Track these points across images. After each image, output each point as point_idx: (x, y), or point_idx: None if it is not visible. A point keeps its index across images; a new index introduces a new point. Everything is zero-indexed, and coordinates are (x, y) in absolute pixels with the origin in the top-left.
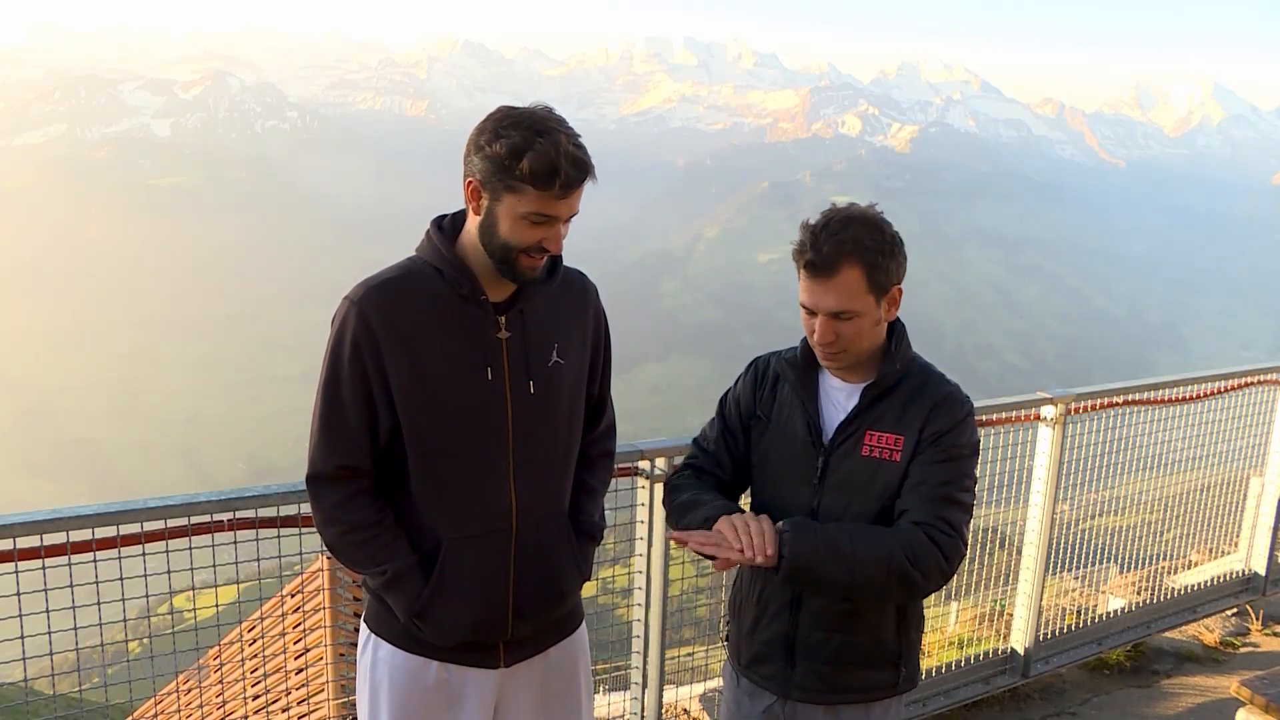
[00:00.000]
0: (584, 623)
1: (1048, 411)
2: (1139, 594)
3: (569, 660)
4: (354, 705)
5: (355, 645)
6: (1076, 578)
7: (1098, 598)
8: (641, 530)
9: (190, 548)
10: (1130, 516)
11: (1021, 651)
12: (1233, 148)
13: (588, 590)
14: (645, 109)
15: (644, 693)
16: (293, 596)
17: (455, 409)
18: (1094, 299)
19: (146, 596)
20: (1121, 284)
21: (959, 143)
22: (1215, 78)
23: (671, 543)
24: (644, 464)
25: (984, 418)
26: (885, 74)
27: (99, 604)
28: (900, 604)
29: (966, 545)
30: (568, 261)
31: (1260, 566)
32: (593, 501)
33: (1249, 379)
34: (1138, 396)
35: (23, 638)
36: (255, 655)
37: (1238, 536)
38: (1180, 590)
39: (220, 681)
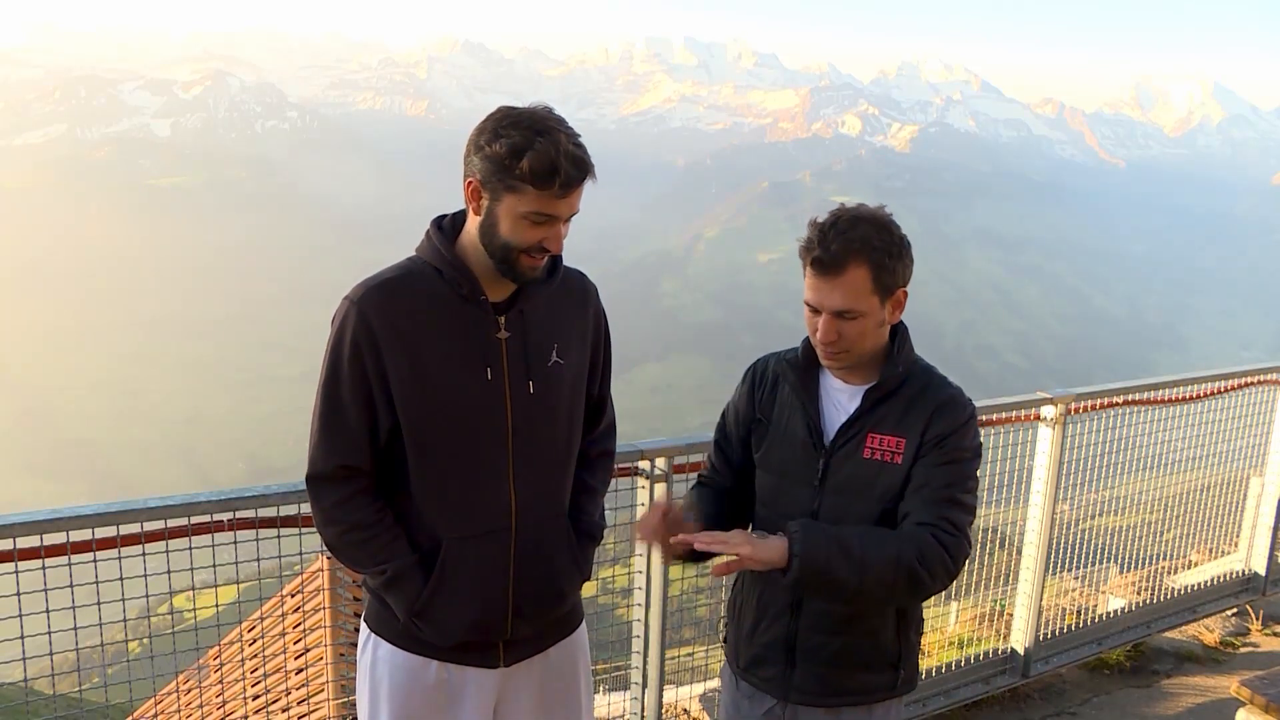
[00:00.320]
0: (584, 622)
1: (1048, 411)
2: (1139, 594)
3: (569, 660)
4: (354, 705)
5: (355, 645)
6: (1076, 578)
7: (1098, 598)
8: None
9: (190, 548)
10: (1130, 516)
11: (1021, 651)
12: (1233, 148)
13: (588, 590)
14: (645, 109)
15: (644, 693)
16: (293, 596)
17: (455, 409)
18: (1094, 299)
19: (146, 596)
20: (1121, 284)
21: (959, 143)
22: (1215, 78)
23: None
24: (644, 464)
25: (984, 418)
26: (885, 74)
27: (99, 604)
28: (901, 606)
29: (971, 546)
30: (567, 261)
31: (1260, 566)
32: (593, 501)
33: (1249, 379)
34: (1138, 396)
35: (23, 638)
36: (255, 655)
37: (1238, 536)
38: (1180, 590)
39: (220, 681)
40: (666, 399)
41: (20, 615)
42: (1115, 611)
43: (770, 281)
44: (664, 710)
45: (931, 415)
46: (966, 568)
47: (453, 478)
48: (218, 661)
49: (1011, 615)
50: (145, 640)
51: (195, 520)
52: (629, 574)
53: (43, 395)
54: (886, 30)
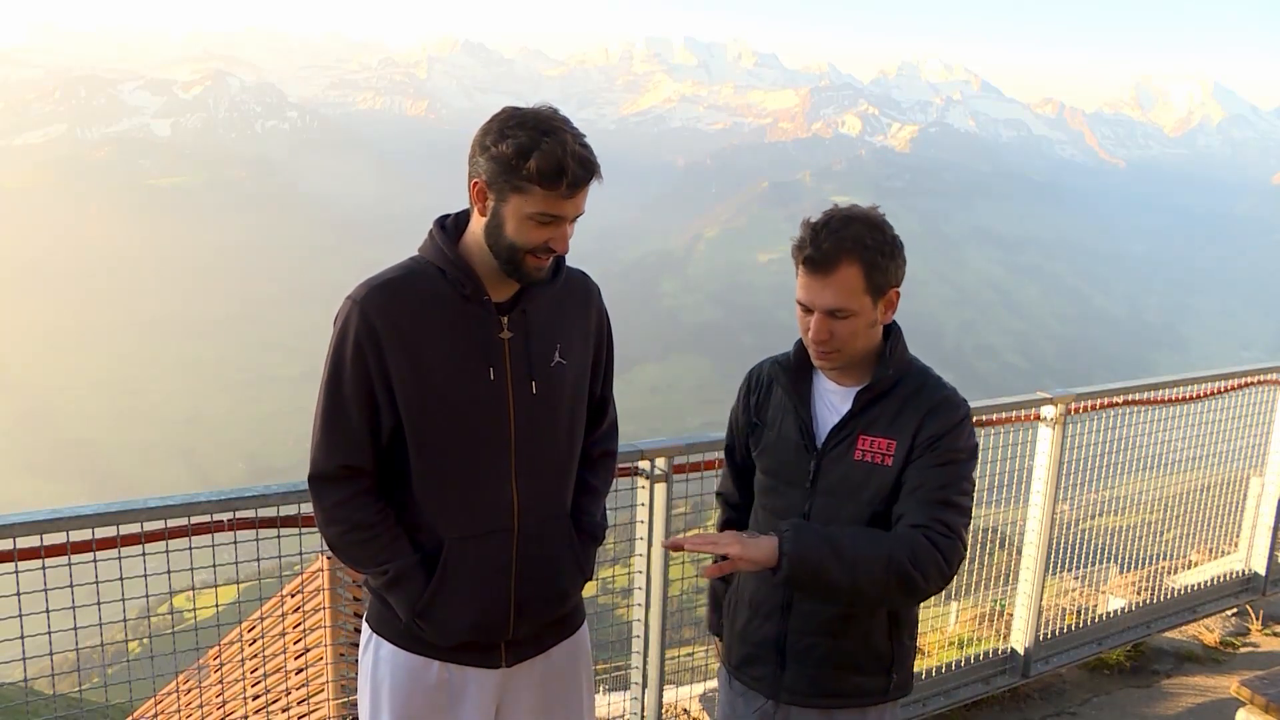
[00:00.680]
0: (585, 623)
1: (1048, 411)
2: (1139, 594)
3: (570, 660)
4: (354, 705)
5: (355, 645)
6: (1076, 578)
7: (1098, 598)
8: (641, 530)
9: (190, 548)
10: (1130, 516)
11: (1021, 651)
12: (1233, 148)
13: (588, 590)
14: (645, 109)
15: (644, 693)
16: (293, 596)
17: (457, 409)
18: (1094, 299)
19: (146, 596)
20: (1121, 284)
21: (959, 143)
22: (1215, 78)
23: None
24: (644, 464)
25: (984, 418)
26: (885, 74)
27: (99, 604)
28: (896, 608)
29: (966, 548)
30: (567, 261)
31: (1260, 566)
32: (595, 501)
33: (1249, 379)
34: (1138, 396)
35: (23, 638)
36: (255, 655)
37: (1238, 536)
38: (1180, 590)
39: (220, 681)
40: (666, 399)
41: (20, 615)
42: (1115, 611)
43: (770, 281)
44: (664, 710)
45: (924, 417)
46: (966, 568)
47: (455, 478)
48: (218, 661)
49: (1011, 615)
50: (145, 640)
51: (195, 520)
52: (629, 574)
53: (43, 395)
54: (886, 30)
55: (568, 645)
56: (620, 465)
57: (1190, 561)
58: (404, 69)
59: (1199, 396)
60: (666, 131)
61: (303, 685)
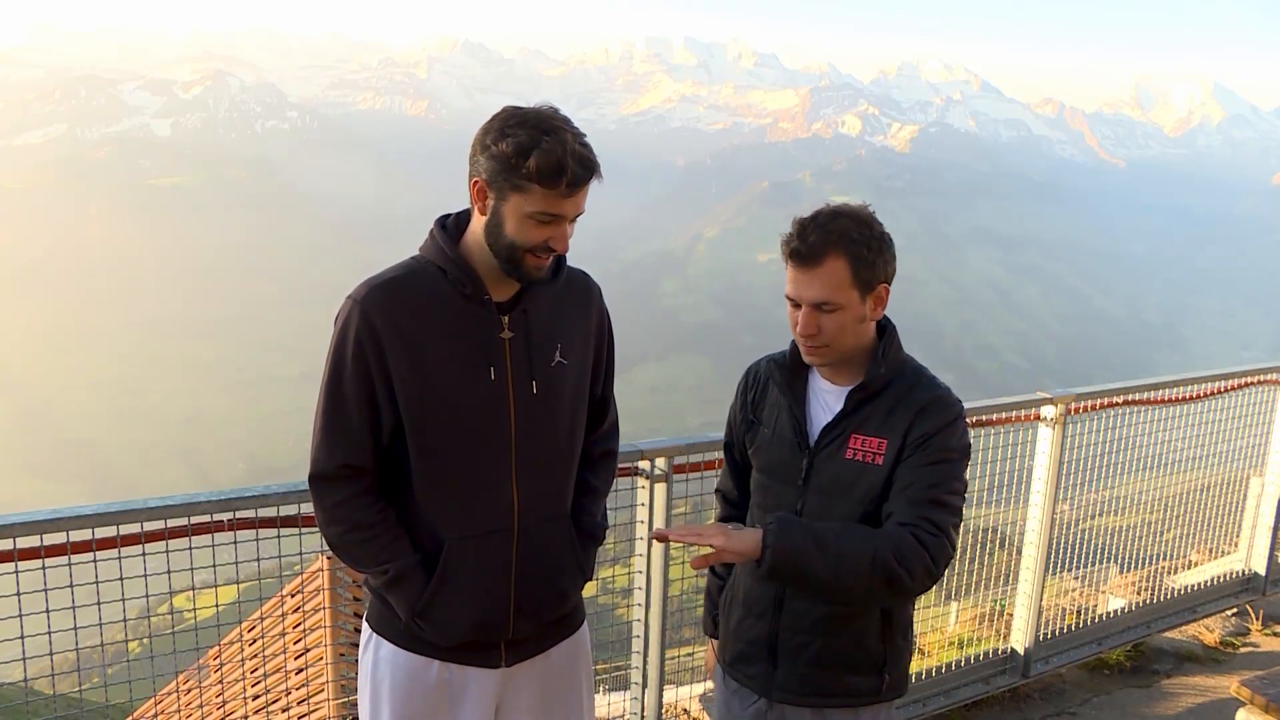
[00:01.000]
0: (585, 622)
1: (1048, 411)
2: (1139, 594)
3: (570, 660)
4: (354, 705)
5: (355, 645)
6: (1076, 578)
7: (1098, 598)
8: (641, 530)
9: (190, 548)
10: (1130, 516)
11: (1021, 651)
12: (1233, 148)
13: (588, 590)
14: (645, 109)
15: (644, 693)
16: (293, 596)
17: (458, 409)
18: (1094, 299)
19: (146, 596)
20: (1121, 284)
21: (959, 143)
22: (1215, 78)
23: (672, 542)
24: (644, 464)
25: (984, 418)
26: (885, 74)
27: (99, 604)
28: (885, 608)
29: (954, 548)
30: (568, 261)
31: (1260, 566)
32: (595, 501)
33: (1249, 379)
34: (1138, 396)
35: (23, 638)
36: (255, 655)
37: (1238, 536)
38: (1180, 590)
39: (220, 681)
40: (666, 399)
41: (20, 615)
42: (1115, 611)
43: (770, 281)
44: (664, 710)
45: (915, 416)
46: (966, 567)
47: (455, 477)
48: (218, 661)
49: (1011, 615)
50: (145, 640)
51: (195, 520)
52: (629, 574)
53: (43, 395)
54: (886, 30)
55: (568, 645)
56: (620, 465)
57: (1190, 561)
58: (404, 69)
59: (1199, 396)
60: (666, 131)
61: (303, 685)
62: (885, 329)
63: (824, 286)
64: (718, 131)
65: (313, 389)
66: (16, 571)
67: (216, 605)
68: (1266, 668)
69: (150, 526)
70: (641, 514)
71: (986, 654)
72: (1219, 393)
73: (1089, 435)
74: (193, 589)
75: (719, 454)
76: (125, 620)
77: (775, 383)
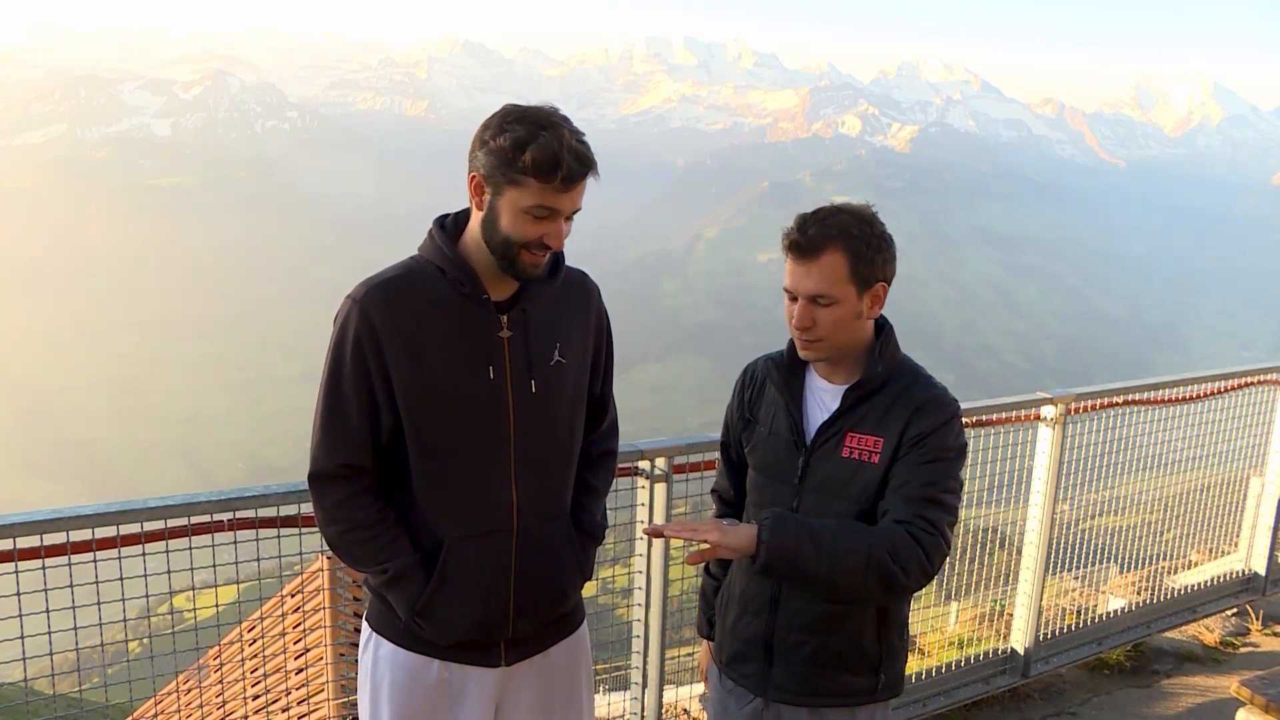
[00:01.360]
0: (585, 622)
1: (1048, 411)
2: (1139, 594)
3: (570, 660)
4: (354, 705)
5: (355, 645)
6: (1076, 578)
7: (1098, 598)
8: (641, 530)
9: (190, 548)
10: (1130, 516)
11: (1021, 651)
12: (1233, 148)
13: (588, 590)
14: (645, 109)
15: (644, 693)
16: (293, 596)
17: (456, 408)
18: (1094, 299)
19: (146, 596)
20: (1121, 284)
21: (959, 143)
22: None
23: (672, 542)
24: (644, 464)
25: (984, 418)
26: (885, 74)
27: (99, 604)
28: (881, 607)
29: (949, 546)
30: (567, 261)
31: (1260, 566)
32: (595, 501)
33: (1249, 379)
34: (1138, 396)
35: (23, 638)
36: (255, 655)
37: (1238, 536)
38: (1180, 590)
39: (220, 681)
40: (666, 399)
41: (20, 615)
42: (1115, 611)
43: (770, 281)
44: (664, 710)
45: (912, 415)
46: (966, 567)
47: (454, 477)
48: (218, 661)
49: (1011, 615)
50: (145, 640)
51: (195, 520)
52: (629, 574)
53: (43, 395)
54: (886, 30)
55: (567, 644)
56: (620, 465)
57: (1190, 561)
58: (404, 69)
59: (1199, 396)
60: (666, 131)
61: (303, 685)
62: (882, 328)
63: (821, 279)
64: (718, 131)
65: (313, 389)
66: (16, 571)
67: (216, 605)
68: (1266, 668)
69: (150, 526)
70: (641, 514)
71: (986, 654)
72: (1219, 393)
73: (1089, 435)
74: (193, 589)
75: (718, 454)
76: (125, 620)
77: (772, 381)
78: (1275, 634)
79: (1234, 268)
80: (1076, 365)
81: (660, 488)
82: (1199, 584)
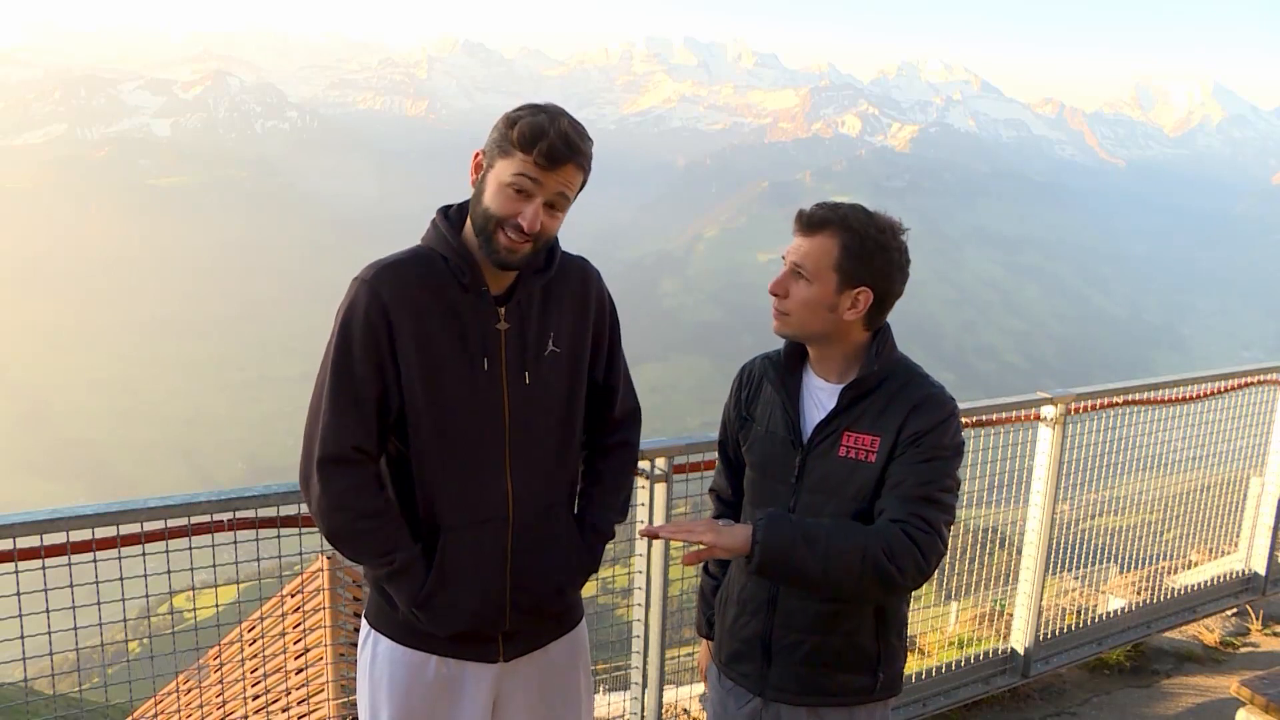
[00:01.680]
0: (584, 620)
1: (1048, 411)
2: (1139, 594)
3: (568, 657)
4: (354, 705)
5: (355, 645)
6: (1076, 578)
7: (1098, 598)
8: (638, 531)
9: (190, 548)
10: (1130, 516)
11: (1021, 651)
12: (1233, 148)
13: (587, 590)
14: (645, 109)
15: (644, 693)
16: (293, 596)
17: (452, 398)
18: (1094, 299)
19: (146, 596)
20: (1121, 284)
21: (959, 143)
22: (1215, 78)
23: (671, 542)
24: (644, 464)
25: (984, 418)
26: (885, 74)
27: (99, 604)
28: (879, 606)
29: (945, 545)
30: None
31: (1260, 566)
32: (605, 493)
33: (1249, 379)
34: (1138, 396)
35: (23, 638)
36: (255, 655)
37: (1238, 536)
38: (1180, 590)
39: (220, 681)
40: (666, 399)
41: (20, 615)
42: (1115, 611)
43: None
44: (664, 710)
45: (908, 414)
46: (966, 567)
47: (450, 467)
48: (218, 661)
49: (1011, 615)
50: (145, 640)
51: (195, 520)
52: (629, 574)
53: (43, 395)
54: (886, 30)
55: (566, 642)
56: None
57: (1190, 561)
58: (404, 69)
59: (1199, 396)
60: (666, 131)
61: (303, 685)
62: (880, 328)
63: (807, 254)
64: (718, 131)
65: (312, 390)
66: (16, 571)
67: (216, 605)
68: (1266, 668)
69: (150, 526)
70: (642, 514)
71: (986, 654)
72: (1219, 393)
73: (1089, 435)
74: (193, 589)
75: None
76: (125, 620)
77: (769, 380)
78: (1275, 634)
79: (1234, 268)
80: (1076, 365)
81: (660, 488)
82: (1199, 584)
